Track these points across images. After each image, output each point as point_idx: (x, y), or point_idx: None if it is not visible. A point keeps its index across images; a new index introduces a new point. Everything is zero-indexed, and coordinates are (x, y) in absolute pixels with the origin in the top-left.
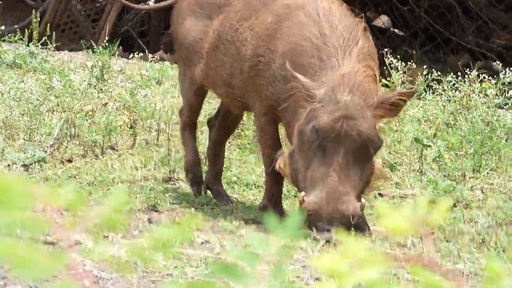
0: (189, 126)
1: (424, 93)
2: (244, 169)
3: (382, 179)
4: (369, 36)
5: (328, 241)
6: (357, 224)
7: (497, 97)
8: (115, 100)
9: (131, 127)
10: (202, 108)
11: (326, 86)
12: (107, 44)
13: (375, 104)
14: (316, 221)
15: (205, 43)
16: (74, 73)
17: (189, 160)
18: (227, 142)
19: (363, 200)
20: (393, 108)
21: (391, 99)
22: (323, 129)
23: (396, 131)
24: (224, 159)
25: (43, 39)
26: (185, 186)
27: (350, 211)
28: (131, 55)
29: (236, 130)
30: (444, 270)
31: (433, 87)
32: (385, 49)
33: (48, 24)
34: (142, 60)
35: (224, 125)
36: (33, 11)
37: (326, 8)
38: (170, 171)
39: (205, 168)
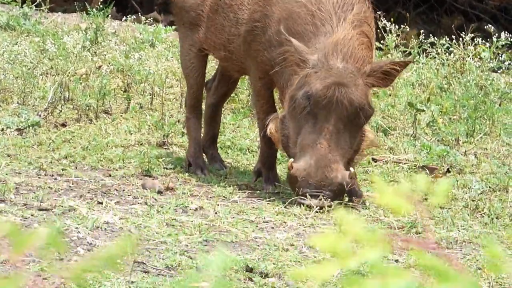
0: (195, 111)
1: (418, 57)
2: (238, 134)
3: (373, 147)
4: (366, 4)
5: (320, 208)
6: (350, 190)
7: (491, 61)
8: (109, 63)
9: (125, 91)
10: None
11: (319, 52)
12: (101, 5)
13: (367, 72)
14: (304, 188)
15: (206, 6)
16: (68, 36)
17: (191, 152)
18: None
19: (351, 168)
20: (386, 77)
21: (384, 68)
22: (314, 96)
23: (390, 95)
24: None
25: (37, 0)
26: (178, 151)
27: (338, 178)
28: (123, 18)
29: None
30: (442, 253)
31: (427, 50)
32: (378, 12)
33: None
34: (135, 22)
35: (221, 89)
36: None
37: None
38: (164, 136)
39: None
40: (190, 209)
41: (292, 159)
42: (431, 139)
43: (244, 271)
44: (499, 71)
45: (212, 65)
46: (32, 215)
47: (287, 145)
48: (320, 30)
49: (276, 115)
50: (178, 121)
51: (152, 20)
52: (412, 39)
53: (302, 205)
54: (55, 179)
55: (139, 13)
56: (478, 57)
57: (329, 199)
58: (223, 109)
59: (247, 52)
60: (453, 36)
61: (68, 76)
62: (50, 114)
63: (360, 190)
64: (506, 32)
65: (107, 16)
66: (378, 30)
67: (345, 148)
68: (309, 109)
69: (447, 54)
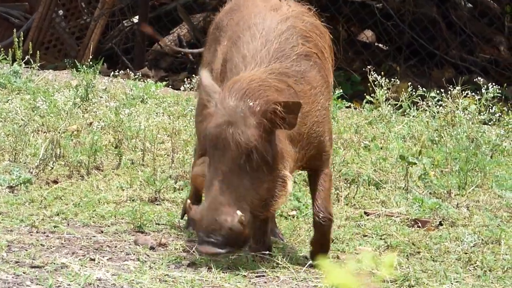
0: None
1: (409, 110)
2: None
3: (285, 195)
4: (313, 61)
5: (212, 255)
6: (244, 238)
7: (481, 113)
8: (100, 120)
9: (116, 147)
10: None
11: (222, 92)
12: (91, 62)
13: (258, 111)
14: (198, 231)
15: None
16: (59, 93)
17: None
18: None
19: (239, 212)
20: (277, 118)
21: (270, 108)
22: (208, 135)
23: (381, 148)
24: None
25: (26, 57)
26: (170, 206)
27: (227, 222)
28: (112, 73)
29: None
30: None
31: (418, 103)
32: (368, 66)
33: (32, 43)
34: (126, 79)
35: None
36: (14, 30)
37: (270, 25)
38: (155, 191)
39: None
40: (183, 265)
41: (188, 201)
42: (423, 192)
43: None
44: (489, 123)
45: None
46: (24, 273)
47: None
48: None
49: (203, 159)
50: (170, 176)
51: (141, 76)
52: (403, 92)
53: (199, 254)
54: (47, 236)
55: (128, 69)
56: (468, 109)
57: (220, 245)
58: None
59: None
60: (442, 90)
61: (59, 133)
62: (41, 171)
63: (267, 239)
64: (493, 84)
65: (98, 72)
66: (369, 84)
67: (241, 191)
68: (208, 149)
69: (437, 106)
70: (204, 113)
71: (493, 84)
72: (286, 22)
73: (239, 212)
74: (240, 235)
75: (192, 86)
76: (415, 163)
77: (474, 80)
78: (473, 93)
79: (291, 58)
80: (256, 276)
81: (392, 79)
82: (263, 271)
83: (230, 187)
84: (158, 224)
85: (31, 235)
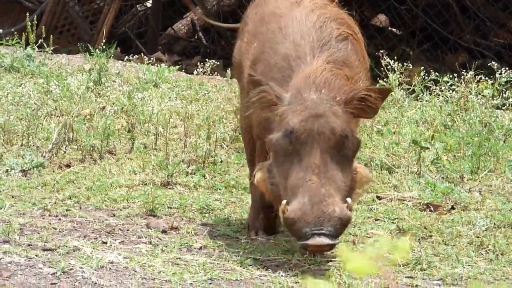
0: None
1: (422, 94)
2: (242, 173)
3: (367, 182)
4: (350, 43)
5: (330, 247)
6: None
7: (494, 97)
8: (113, 104)
9: (129, 131)
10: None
11: (292, 88)
12: (104, 46)
13: (343, 99)
14: (304, 228)
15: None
16: (72, 77)
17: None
18: (225, 146)
19: (348, 199)
20: (364, 105)
21: (359, 94)
22: (293, 131)
23: (394, 133)
24: (222, 163)
25: (40, 41)
26: (182, 190)
27: (337, 212)
28: (125, 57)
29: (234, 133)
30: None
31: (431, 88)
32: (381, 51)
33: (45, 27)
34: (139, 63)
35: None
36: (27, 14)
37: (300, 18)
38: (168, 175)
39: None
40: (195, 248)
41: (284, 201)
42: (435, 176)
43: None
44: (503, 108)
45: None
46: (36, 256)
47: (277, 194)
48: (297, 70)
49: (262, 165)
50: (182, 160)
51: (154, 60)
52: (416, 77)
53: (307, 253)
54: (60, 219)
55: (142, 53)
56: (481, 94)
57: (332, 236)
58: (227, 149)
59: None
60: (455, 74)
61: (72, 117)
62: (54, 155)
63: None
64: (507, 68)
65: (111, 56)
66: (382, 69)
67: (338, 182)
68: (292, 147)
69: (450, 91)
70: (268, 115)
71: (507, 68)
72: (314, 12)
73: (348, 200)
74: (349, 224)
75: (205, 70)
76: (427, 148)
77: (488, 64)
78: (487, 78)
79: (331, 44)
80: (268, 260)
81: (405, 64)
82: (275, 254)
83: (328, 179)
84: (170, 208)
85: (43, 218)
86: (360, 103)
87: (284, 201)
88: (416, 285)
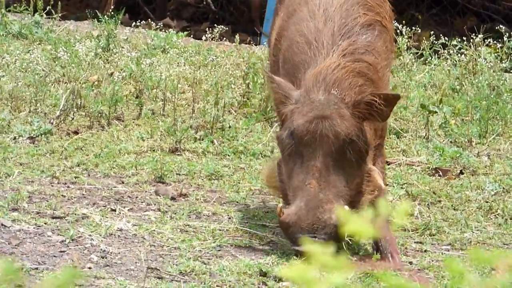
0: None
1: (430, 58)
2: (250, 138)
3: (377, 189)
4: (377, 30)
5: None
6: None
7: (503, 61)
8: (121, 70)
9: (137, 97)
10: None
11: (302, 86)
12: (112, 12)
13: (352, 102)
14: (296, 233)
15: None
16: (80, 43)
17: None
18: (233, 111)
19: (346, 207)
20: (372, 110)
21: (365, 99)
22: (296, 132)
23: (402, 97)
24: (230, 129)
25: (48, 8)
26: (191, 157)
27: (333, 219)
28: (133, 23)
29: (242, 98)
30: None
31: (439, 52)
32: None
33: None
34: (147, 29)
35: None
36: None
37: (328, 1)
38: (176, 141)
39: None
40: (204, 215)
41: (281, 204)
42: (443, 140)
43: (258, 276)
44: (511, 71)
45: None
46: (45, 223)
47: (285, 192)
48: (314, 61)
49: (273, 160)
50: (191, 126)
51: (162, 26)
52: (424, 41)
53: (298, 255)
54: (68, 187)
55: (150, 20)
56: (489, 58)
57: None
58: (235, 114)
59: None
60: (464, 38)
61: (80, 83)
62: (62, 121)
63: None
64: None
65: (119, 23)
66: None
67: (339, 187)
68: (295, 148)
69: (459, 55)
70: (284, 112)
71: None
72: None
73: (344, 206)
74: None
75: (213, 36)
76: (436, 112)
77: (496, 28)
78: (495, 41)
79: (355, 31)
80: (277, 226)
81: (414, 28)
82: None
83: (328, 183)
84: (179, 175)
85: (52, 186)
86: (367, 107)
87: (280, 204)
88: (425, 250)
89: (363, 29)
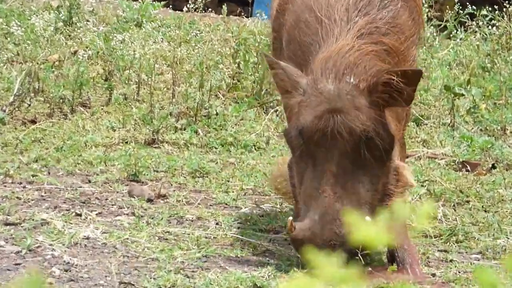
0: None
1: (455, 31)
2: (241, 128)
3: (407, 187)
4: (400, 5)
5: None
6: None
7: None
8: (87, 48)
9: (106, 80)
10: None
11: (310, 73)
12: None
13: (368, 88)
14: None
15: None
16: (37, 16)
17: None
18: (221, 96)
19: (367, 218)
20: (391, 91)
21: (382, 79)
22: (305, 131)
23: (423, 77)
24: (218, 116)
25: None
26: (171, 150)
27: None
28: None
29: (231, 80)
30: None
31: (466, 24)
32: None
33: None
34: None
35: None
36: None
37: None
38: (153, 132)
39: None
40: (187, 220)
41: (290, 218)
42: (472, 128)
43: None
44: None
45: None
46: None
47: (298, 199)
48: (324, 43)
49: (283, 159)
50: (170, 114)
51: None
52: (447, 11)
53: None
54: (24, 187)
55: None
56: None
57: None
58: (223, 99)
59: None
60: (495, 7)
61: (37, 63)
62: (16, 109)
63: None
64: None
65: None
66: None
67: (360, 192)
68: (305, 148)
69: (490, 27)
70: (289, 103)
71: None
72: None
73: (367, 218)
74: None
75: (196, 6)
76: (462, 95)
77: None
78: None
79: (375, 4)
80: (274, 232)
81: None
82: (280, 226)
83: (346, 190)
84: (157, 172)
85: (4, 186)
86: (386, 90)
87: (290, 218)
88: (451, 260)
89: (384, 1)
